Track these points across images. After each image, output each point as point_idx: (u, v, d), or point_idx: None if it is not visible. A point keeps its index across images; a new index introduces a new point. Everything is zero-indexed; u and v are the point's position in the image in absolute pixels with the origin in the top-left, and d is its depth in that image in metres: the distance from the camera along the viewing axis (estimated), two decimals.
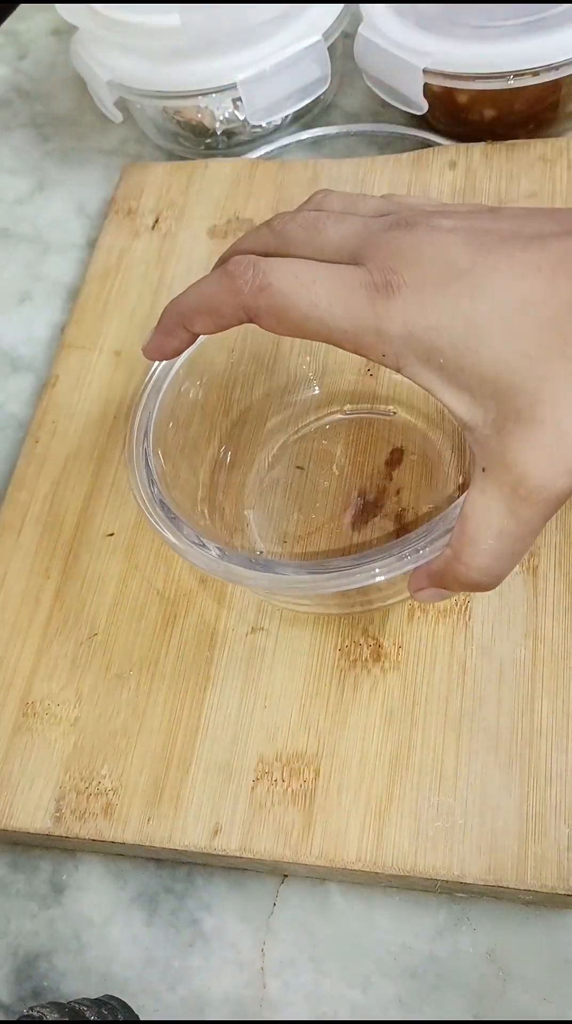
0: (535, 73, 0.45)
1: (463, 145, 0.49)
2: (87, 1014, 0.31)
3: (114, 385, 0.46)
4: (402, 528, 0.38)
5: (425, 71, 0.47)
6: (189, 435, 0.39)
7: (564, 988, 0.32)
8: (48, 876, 0.37)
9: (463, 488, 0.33)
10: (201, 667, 0.37)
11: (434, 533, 0.30)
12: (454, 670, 0.35)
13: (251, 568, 0.32)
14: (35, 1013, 0.30)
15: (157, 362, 0.37)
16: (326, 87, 0.53)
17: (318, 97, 0.53)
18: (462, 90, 0.48)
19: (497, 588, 0.36)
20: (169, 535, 0.33)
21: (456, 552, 0.29)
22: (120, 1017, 0.32)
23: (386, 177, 0.49)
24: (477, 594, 0.37)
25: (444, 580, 0.30)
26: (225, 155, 0.55)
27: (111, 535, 0.41)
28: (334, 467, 0.40)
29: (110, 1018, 0.32)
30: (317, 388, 0.42)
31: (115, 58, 0.51)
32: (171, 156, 0.57)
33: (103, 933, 0.36)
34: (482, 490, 0.27)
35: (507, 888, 0.32)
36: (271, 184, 0.51)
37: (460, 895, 0.34)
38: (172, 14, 0.47)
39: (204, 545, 0.33)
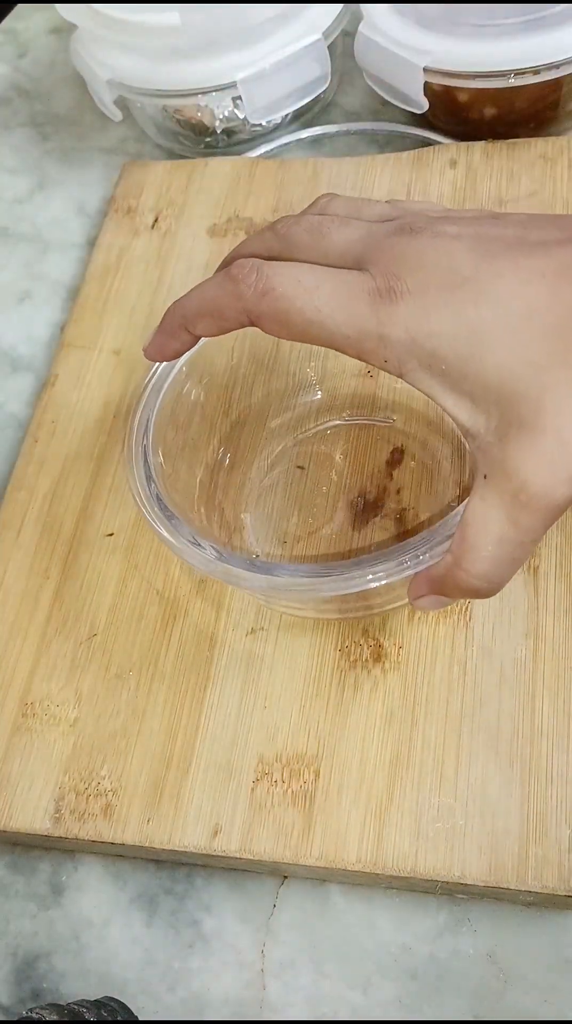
0: (536, 71, 0.45)
1: (464, 144, 0.49)
2: (86, 1015, 0.31)
3: (114, 384, 0.46)
4: (402, 528, 0.38)
5: (425, 69, 0.47)
6: (189, 435, 0.39)
7: (564, 989, 0.32)
8: (47, 877, 0.37)
9: (464, 493, 0.33)
10: (201, 667, 0.37)
11: (434, 539, 0.30)
12: (455, 670, 0.35)
13: (248, 569, 0.32)
14: (34, 1014, 0.30)
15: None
16: (326, 86, 0.52)
17: (318, 96, 0.53)
18: (463, 88, 0.48)
19: None
20: (166, 533, 0.33)
21: (456, 558, 0.28)
22: (119, 1018, 0.32)
23: (386, 176, 0.49)
24: None
25: (444, 586, 0.30)
26: (225, 154, 0.55)
27: (111, 535, 0.41)
28: (333, 470, 0.40)
29: (109, 1019, 0.32)
30: (318, 392, 0.42)
31: (115, 57, 0.51)
32: (171, 155, 0.57)
33: (102, 934, 0.36)
34: (483, 497, 0.27)
35: (508, 889, 0.32)
36: (271, 183, 0.51)
37: (461, 896, 0.34)
38: (172, 13, 0.47)
39: (200, 545, 0.33)
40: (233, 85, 0.49)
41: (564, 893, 0.31)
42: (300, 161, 0.51)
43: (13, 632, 0.40)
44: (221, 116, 0.53)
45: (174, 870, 0.36)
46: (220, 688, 0.37)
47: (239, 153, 0.55)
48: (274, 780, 0.35)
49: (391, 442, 0.40)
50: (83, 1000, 0.32)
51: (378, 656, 0.36)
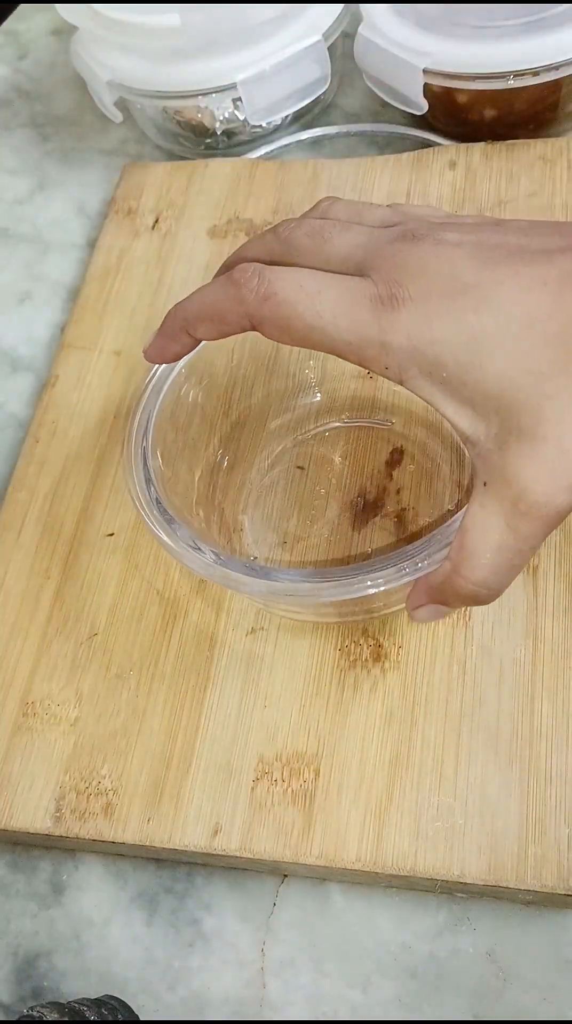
0: (535, 73, 0.45)
1: (463, 145, 0.49)
2: (87, 1014, 0.31)
3: (114, 385, 0.46)
4: (402, 528, 0.38)
5: (425, 71, 0.47)
6: (188, 437, 0.39)
7: (564, 988, 0.32)
8: (48, 876, 0.37)
9: (464, 495, 0.33)
10: (201, 667, 0.37)
11: (433, 546, 0.30)
12: (454, 670, 0.35)
13: (246, 574, 0.32)
14: (35, 1013, 0.30)
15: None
16: (326, 87, 0.53)
17: (318, 97, 0.53)
18: (462, 90, 0.48)
19: None
20: (164, 536, 0.33)
21: (455, 565, 0.28)
22: (120, 1017, 0.32)
23: (386, 177, 0.49)
24: None
25: (443, 593, 0.30)
26: (225, 155, 0.55)
27: (111, 535, 0.41)
28: (333, 470, 0.40)
29: (110, 1018, 0.32)
30: (318, 394, 0.42)
31: (115, 58, 0.51)
32: (171, 156, 0.57)
33: (103, 933, 0.36)
34: (482, 504, 0.27)
35: (507, 888, 0.32)
36: (271, 184, 0.51)
37: (460, 895, 0.34)
38: (172, 14, 0.47)
39: (199, 548, 0.33)
40: (233, 86, 0.50)
41: (563, 892, 0.31)
42: (300, 162, 0.51)
43: (14, 632, 0.40)
44: (221, 117, 0.54)
45: (174, 869, 0.36)
46: (220, 688, 0.37)
47: (239, 154, 0.55)
48: (274, 779, 0.35)
49: (391, 443, 0.40)
50: (84, 999, 0.32)
51: (378, 656, 0.36)
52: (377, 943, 0.34)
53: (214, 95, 0.51)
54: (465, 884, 0.32)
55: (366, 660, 0.36)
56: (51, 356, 0.50)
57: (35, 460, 0.45)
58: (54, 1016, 0.30)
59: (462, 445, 0.29)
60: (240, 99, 0.51)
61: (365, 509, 0.39)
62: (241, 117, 0.53)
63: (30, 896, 0.37)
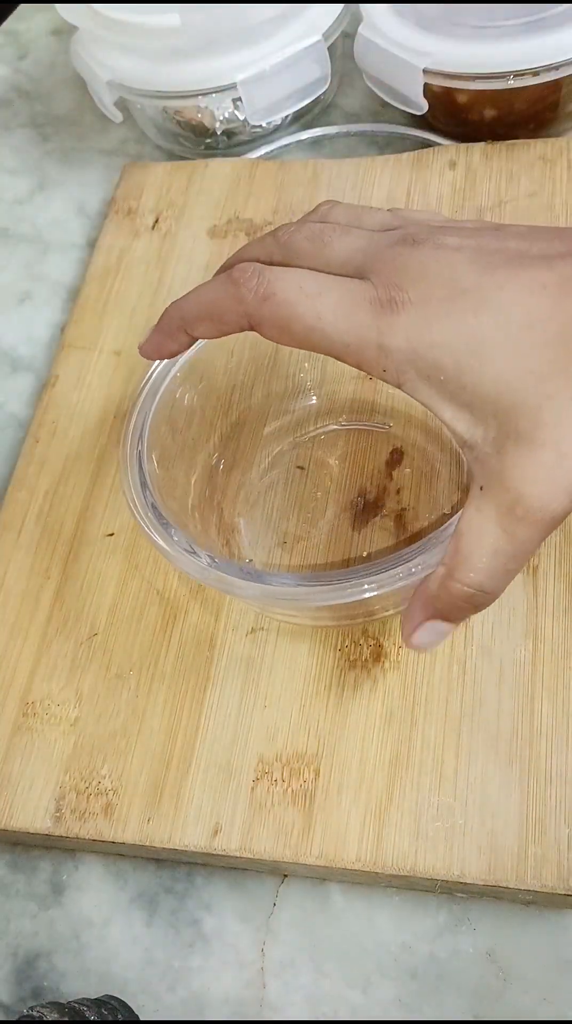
0: (535, 73, 0.45)
1: (463, 145, 0.49)
2: (87, 1014, 0.31)
3: (114, 385, 0.46)
4: (402, 528, 0.38)
5: (425, 71, 0.47)
6: (184, 439, 0.39)
7: (564, 988, 0.32)
8: (48, 876, 0.37)
9: (459, 503, 0.33)
10: (201, 667, 0.37)
11: (428, 550, 0.30)
12: (454, 670, 0.35)
13: (242, 578, 0.32)
14: (35, 1013, 0.30)
15: (155, 364, 0.37)
16: (326, 87, 0.53)
17: (318, 97, 0.53)
18: (462, 90, 0.48)
19: None
20: (160, 541, 0.33)
21: (450, 570, 0.28)
22: (120, 1017, 0.32)
23: (386, 177, 0.49)
24: None
25: (439, 601, 0.29)
26: (225, 155, 0.55)
27: (111, 535, 0.41)
28: (333, 470, 0.40)
29: (110, 1018, 0.32)
30: (316, 396, 0.42)
31: (115, 58, 0.51)
32: (171, 156, 0.57)
33: (103, 933, 0.36)
34: (479, 508, 0.27)
35: (507, 888, 0.32)
36: (271, 184, 0.51)
37: (460, 895, 0.34)
38: (172, 14, 0.47)
39: (195, 553, 0.33)
40: (233, 86, 0.50)
41: (563, 892, 0.31)
42: (300, 162, 0.51)
43: (14, 632, 0.40)
44: (221, 117, 0.54)
45: (174, 869, 0.36)
46: (220, 688, 0.37)
47: (239, 154, 0.55)
48: (274, 779, 0.35)
49: (391, 443, 0.40)
50: (84, 999, 0.32)
51: (378, 656, 0.36)
52: (377, 943, 0.34)
53: (214, 95, 0.51)
54: (465, 884, 0.32)
55: (366, 660, 0.36)
56: (51, 356, 0.50)
57: (35, 460, 0.45)
58: (54, 1016, 0.30)
59: (459, 450, 0.28)
60: (240, 99, 0.51)
61: (365, 509, 0.39)
62: (241, 117, 0.53)
63: (30, 896, 0.37)
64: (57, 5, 0.52)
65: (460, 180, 0.48)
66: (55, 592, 0.41)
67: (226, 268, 0.32)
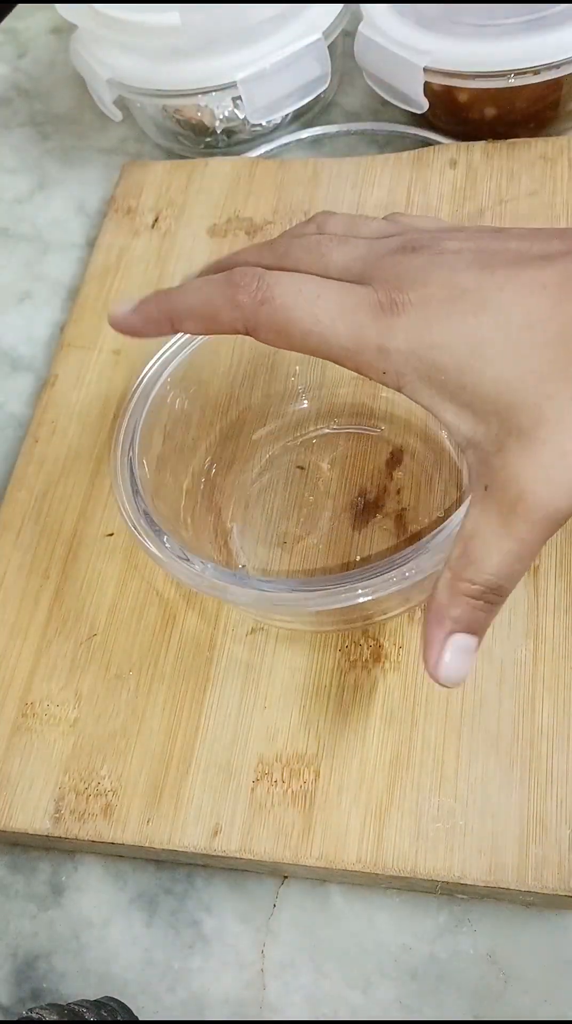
0: (536, 71, 0.45)
1: (464, 144, 0.49)
2: (86, 1015, 0.31)
3: (114, 384, 0.46)
4: (402, 527, 0.38)
5: (425, 69, 0.47)
6: (176, 445, 0.39)
7: (564, 989, 0.32)
8: (47, 877, 0.37)
9: (452, 506, 0.32)
10: (201, 667, 0.37)
11: (422, 554, 0.30)
12: None
13: (235, 584, 0.32)
14: (34, 1014, 0.30)
15: (145, 368, 0.37)
16: (326, 86, 0.52)
17: (318, 96, 0.53)
18: (463, 88, 0.48)
19: None
20: (152, 548, 0.33)
21: (457, 572, 0.28)
22: (119, 1018, 0.32)
23: (386, 176, 0.49)
24: None
25: (453, 608, 0.28)
26: (225, 154, 0.55)
27: (111, 535, 0.41)
28: (333, 470, 0.40)
29: (109, 1019, 0.32)
30: (306, 402, 0.42)
31: (115, 57, 0.51)
32: (171, 155, 0.57)
33: (102, 934, 0.36)
34: (483, 508, 0.27)
35: (508, 889, 0.32)
36: (271, 183, 0.51)
37: (461, 896, 0.34)
38: (172, 13, 0.47)
39: (188, 559, 0.33)
40: (233, 85, 0.49)
41: (564, 893, 0.31)
42: (300, 161, 0.51)
43: (13, 632, 0.40)
44: (221, 116, 0.53)
45: (174, 870, 0.36)
46: (220, 688, 0.37)
47: (239, 153, 0.55)
48: (274, 780, 0.35)
49: (391, 443, 0.40)
50: (83, 1000, 0.32)
51: (378, 656, 0.36)
52: (377, 944, 0.34)
53: (214, 94, 0.51)
54: (466, 885, 0.32)
55: (366, 660, 0.36)
56: (51, 356, 0.50)
57: (35, 460, 0.44)
58: (53, 1017, 0.30)
59: (459, 452, 0.28)
60: (240, 98, 0.51)
61: (365, 509, 0.39)
62: (241, 116, 0.53)
63: (29, 897, 0.37)
64: (56, 4, 0.52)
65: (461, 179, 0.48)
66: (54, 592, 0.41)
67: (219, 269, 0.32)
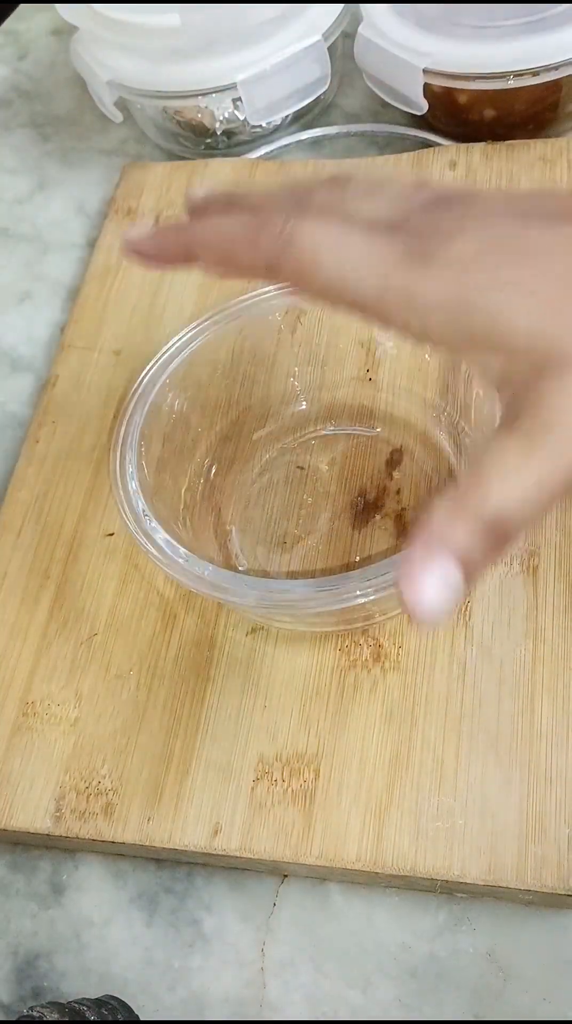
0: (535, 73, 0.45)
1: (463, 145, 0.49)
2: (87, 1014, 0.31)
3: (114, 385, 0.46)
4: (402, 527, 0.38)
5: (425, 71, 0.47)
6: (175, 446, 0.39)
7: (564, 988, 0.32)
8: (48, 876, 0.37)
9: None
10: (201, 667, 0.37)
11: None
12: (454, 670, 0.35)
13: (234, 585, 0.32)
14: (35, 1013, 0.30)
15: (145, 370, 0.37)
16: (326, 87, 0.53)
17: (318, 97, 0.53)
18: (462, 90, 0.48)
19: (497, 588, 0.36)
20: (151, 549, 0.33)
21: (465, 489, 0.25)
22: (120, 1017, 0.32)
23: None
24: (476, 594, 0.36)
25: (452, 532, 0.24)
26: (225, 155, 0.55)
27: (111, 535, 0.41)
28: (333, 470, 0.40)
29: (110, 1018, 0.32)
30: (305, 402, 0.42)
31: (115, 58, 0.51)
32: (171, 156, 0.57)
33: (103, 933, 0.36)
34: (507, 434, 0.25)
35: (507, 888, 0.32)
36: (271, 184, 0.51)
37: (460, 895, 0.34)
38: (172, 14, 0.47)
39: (187, 561, 0.33)
40: (233, 86, 0.50)
41: (563, 892, 0.31)
42: (300, 163, 0.52)
43: (14, 632, 0.40)
44: (221, 117, 0.54)
45: (174, 869, 0.36)
46: (220, 687, 0.37)
47: (239, 154, 0.55)
48: (274, 779, 0.35)
49: (390, 444, 0.41)
50: (84, 999, 0.32)
51: (378, 656, 0.36)
52: (377, 943, 0.34)
53: (214, 95, 0.51)
54: (465, 884, 0.32)
55: (366, 660, 0.36)
56: (51, 356, 0.50)
57: (35, 460, 0.45)
58: (54, 1016, 0.30)
59: (495, 390, 0.27)
60: (240, 99, 0.51)
61: (365, 509, 0.39)
62: (241, 117, 0.53)
63: (30, 896, 0.37)
64: (57, 5, 0.52)
65: (460, 180, 0.48)
66: (55, 592, 0.41)
67: (230, 203, 0.31)
